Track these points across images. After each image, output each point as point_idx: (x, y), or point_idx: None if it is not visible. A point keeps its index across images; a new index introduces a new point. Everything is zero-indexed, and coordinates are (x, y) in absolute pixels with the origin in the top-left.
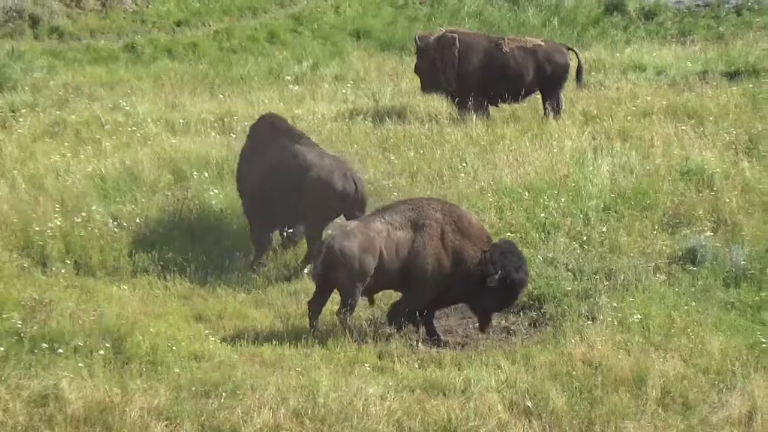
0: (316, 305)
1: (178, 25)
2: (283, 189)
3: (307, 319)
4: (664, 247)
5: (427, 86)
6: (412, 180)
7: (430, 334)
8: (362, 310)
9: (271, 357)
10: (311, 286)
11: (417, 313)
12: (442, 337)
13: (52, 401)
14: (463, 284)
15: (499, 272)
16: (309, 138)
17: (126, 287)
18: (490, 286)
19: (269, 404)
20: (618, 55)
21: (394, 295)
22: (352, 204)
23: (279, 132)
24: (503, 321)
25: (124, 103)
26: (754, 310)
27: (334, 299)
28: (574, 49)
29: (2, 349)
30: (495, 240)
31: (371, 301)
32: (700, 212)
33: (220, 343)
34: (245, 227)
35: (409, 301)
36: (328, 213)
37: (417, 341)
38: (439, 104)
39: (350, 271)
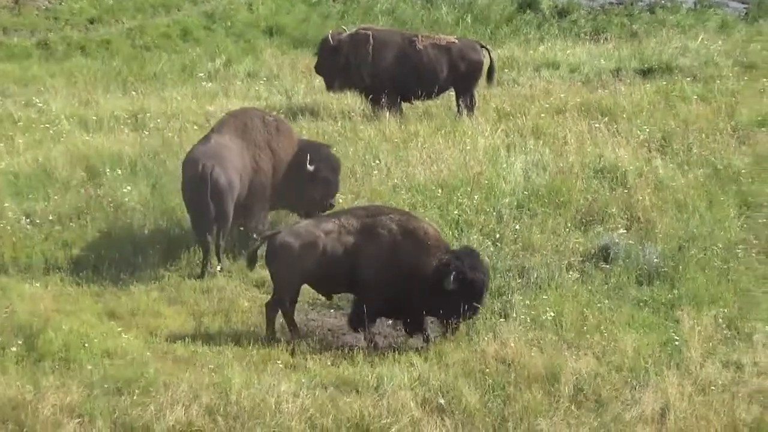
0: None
1: (92, 23)
2: None
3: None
4: (577, 245)
5: (339, 84)
6: None
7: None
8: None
9: (183, 354)
10: (224, 284)
11: (372, 318)
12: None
13: None
14: (422, 294)
15: (453, 272)
16: (226, 127)
17: (38, 284)
18: (449, 288)
19: (182, 401)
20: (531, 52)
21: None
22: (197, 196)
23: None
24: None
25: (37, 100)
26: (666, 308)
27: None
28: (487, 46)
29: None
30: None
31: (328, 298)
32: (614, 210)
33: (133, 340)
34: (158, 224)
35: (360, 305)
36: (187, 203)
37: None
38: (353, 101)
39: (286, 266)
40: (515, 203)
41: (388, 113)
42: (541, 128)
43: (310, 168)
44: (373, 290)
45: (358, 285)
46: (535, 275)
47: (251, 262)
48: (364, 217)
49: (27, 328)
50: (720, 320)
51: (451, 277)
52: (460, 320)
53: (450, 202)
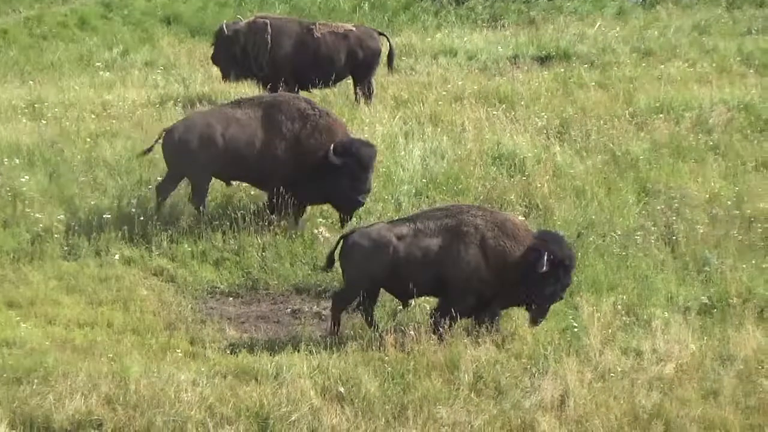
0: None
1: None
2: None
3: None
4: None
5: (235, 74)
6: None
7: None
8: (174, 296)
9: (82, 343)
10: (122, 272)
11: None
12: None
13: None
14: (516, 285)
15: (545, 254)
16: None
17: None
18: (541, 271)
19: (81, 391)
20: (429, 40)
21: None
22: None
23: None
24: (315, 306)
25: None
26: (566, 295)
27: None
28: (385, 34)
29: None
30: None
31: (405, 304)
32: (512, 197)
33: (32, 329)
34: (56, 213)
35: (448, 306)
36: None
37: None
38: (250, 90)
39: (355, 267)
40: (414, 191)
41: None
42: (438, 115)
43: (334, 159)
44: (466, 291)
45: (448, 288)
46: None
47: (330, 263)
48: (444, 218)
49: None
50: (619, 307)
51: (544, 259)
52: (549, 304)
53: None
